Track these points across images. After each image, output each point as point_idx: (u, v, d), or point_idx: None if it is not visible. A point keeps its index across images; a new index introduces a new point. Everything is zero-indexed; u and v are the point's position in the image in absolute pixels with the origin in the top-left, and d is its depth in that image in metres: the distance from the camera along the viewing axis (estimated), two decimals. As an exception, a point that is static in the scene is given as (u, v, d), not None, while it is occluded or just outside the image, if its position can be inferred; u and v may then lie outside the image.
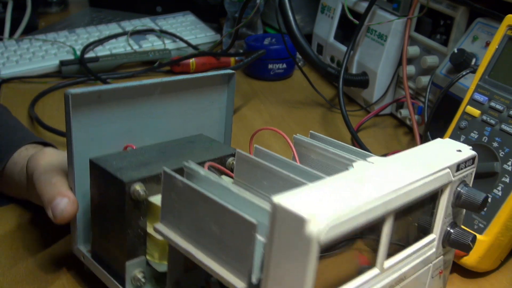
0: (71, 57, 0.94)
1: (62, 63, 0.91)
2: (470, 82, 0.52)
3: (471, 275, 0.47)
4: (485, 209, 0.36)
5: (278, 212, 0.25)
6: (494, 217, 0.46)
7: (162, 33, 1.04)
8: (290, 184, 0.35)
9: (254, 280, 0.29)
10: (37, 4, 1.20)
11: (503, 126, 0.47)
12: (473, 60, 0.59)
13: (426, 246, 0.35)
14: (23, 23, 1.12)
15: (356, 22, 0.76)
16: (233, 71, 0.48)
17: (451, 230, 0.36)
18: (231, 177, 0.41)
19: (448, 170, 0.33)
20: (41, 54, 0.96)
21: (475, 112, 0.50)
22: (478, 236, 0.46)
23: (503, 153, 0.47)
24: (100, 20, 1.20)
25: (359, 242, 0.29)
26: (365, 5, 0.77)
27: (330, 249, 0.26)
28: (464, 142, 0.50)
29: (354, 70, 0.80)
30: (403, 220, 0.32)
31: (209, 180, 0.34)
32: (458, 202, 0.36)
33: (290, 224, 0.24)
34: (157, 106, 0.45)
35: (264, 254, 0.28)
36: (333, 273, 0.27)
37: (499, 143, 0.47)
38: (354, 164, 0.31)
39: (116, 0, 1.29)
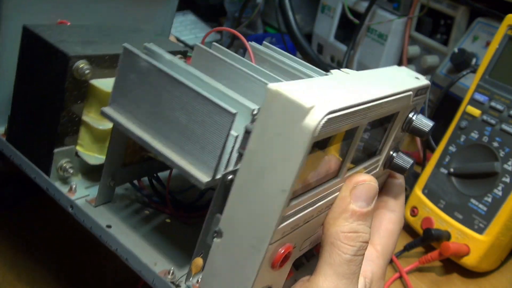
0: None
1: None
2: (471, 82, 0.52)
3: (471, 275, 0.47)
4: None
5: (274, 99, 0.23)
6: (495, 217, 0.46)
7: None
8: (250, 83, 0.32)
9: (219, 175, 0.27)
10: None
11: (504, 126, 0.47)
12: (474, 60, 0.59)
13: (372, 166, 0.35)
14: (23, 23, 1.12)
15: (356, 21, 0.76)
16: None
17: (394, 154, 0.36)
18: None
19: (411, 92, 0.33)
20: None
21: (476, 112, 0.50)
22: (478, 236, 0.46)
23: (504, 153, 0.47)
24: (100, 19, 1.20)
25: (329, 148, 0.28)
26: (365, 4, 0.76)
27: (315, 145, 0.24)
28: (464, 142, 0.50)
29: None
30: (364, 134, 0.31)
31: (176, 66, 0.30)
32: (407, 127, 0.36)
33: (287, 112, 0.23)
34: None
35: (235, 148, 0.27)
36: (307, 173, 0.26)
37: (499, 143, 0.47)
38: (332, 71, 0.30)
39: None
